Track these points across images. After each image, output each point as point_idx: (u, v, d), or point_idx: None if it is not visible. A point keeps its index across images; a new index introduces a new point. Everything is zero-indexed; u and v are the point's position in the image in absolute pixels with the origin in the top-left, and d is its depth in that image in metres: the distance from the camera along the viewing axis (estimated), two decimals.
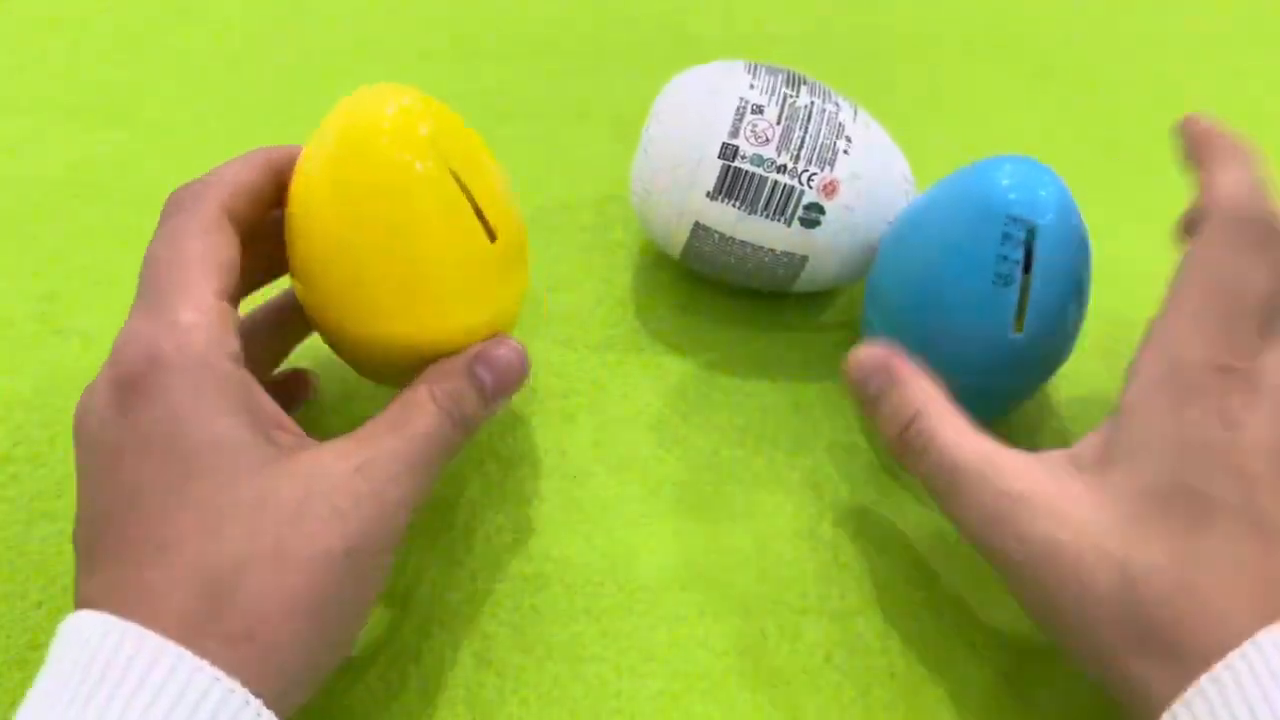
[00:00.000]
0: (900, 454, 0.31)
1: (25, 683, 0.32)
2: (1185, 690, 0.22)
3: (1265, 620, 0.23)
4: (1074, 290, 0.36)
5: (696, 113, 0.40)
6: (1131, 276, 0.48)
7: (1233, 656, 0.22)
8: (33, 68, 0.55)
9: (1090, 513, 0.26)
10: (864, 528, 0.38)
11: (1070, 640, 0.26)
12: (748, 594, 0.36)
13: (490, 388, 0.30)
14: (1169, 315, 0.28)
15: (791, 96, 0.40)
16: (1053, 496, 0.26)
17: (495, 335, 0.32)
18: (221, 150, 0.51)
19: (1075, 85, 0.60)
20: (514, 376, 0.31)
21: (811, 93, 0.41)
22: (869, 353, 0.33)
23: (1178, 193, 0.53)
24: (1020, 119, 0.58)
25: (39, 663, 0.33)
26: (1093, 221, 0.36)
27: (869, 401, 0.32)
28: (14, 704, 0.32)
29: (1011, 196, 0.34)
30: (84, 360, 0.41)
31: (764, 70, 0.41)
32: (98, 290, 0.44)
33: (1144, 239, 0.51)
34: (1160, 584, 0.24)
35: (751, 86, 0.40)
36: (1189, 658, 0.23)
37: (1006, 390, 0.38)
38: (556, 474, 0.39)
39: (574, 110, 0.55)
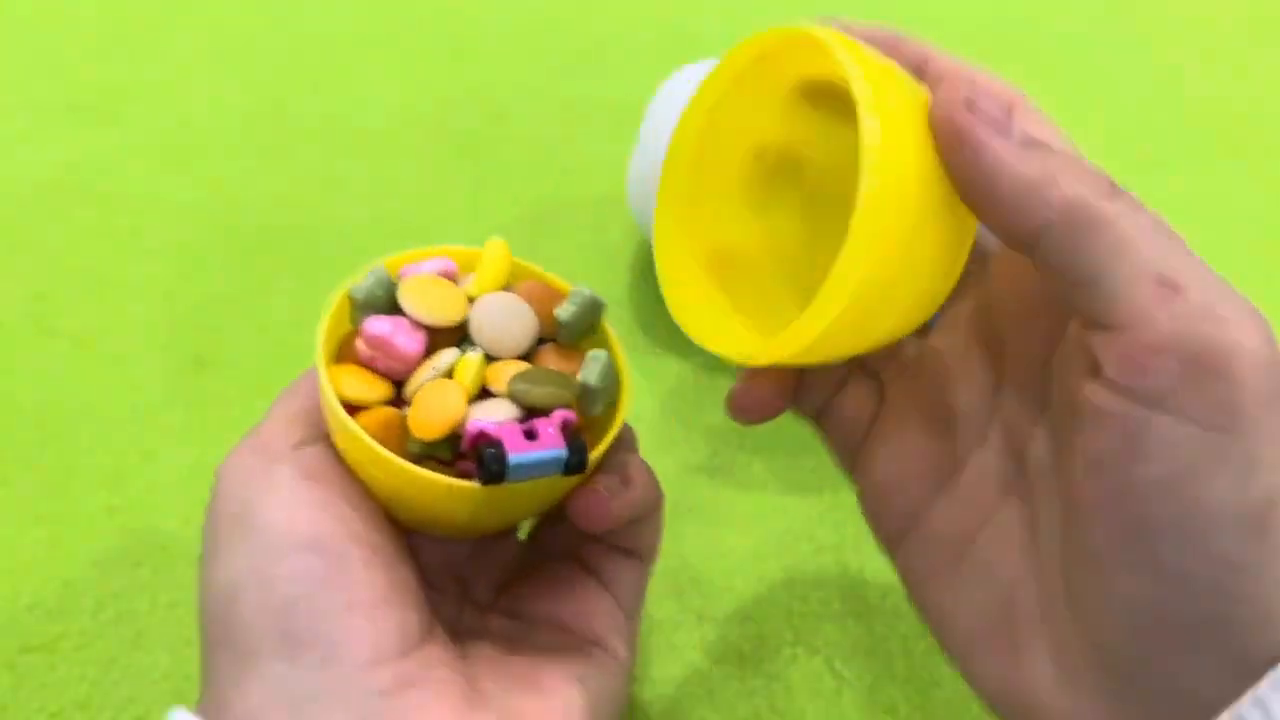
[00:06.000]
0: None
1: (15, 686, 0.32)
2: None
3: None
4: None
5: None
6: None
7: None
8: (24, 68, 0.55)
9: None
10: (865, 531, 0.37)
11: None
12: (746, 598, 0.35)
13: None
14: None
15: None
16: None
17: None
18: (212, 151, 0.51)
19: (1077, 82, 0.60)
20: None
21: None
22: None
23: (1180, 190, 0.53)
24: None
25: (29, 666, 0.33)
26: None
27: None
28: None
29: None
30: (74, 361, 0.41)
31: None
32: (88, 291, 0.43)
33: None
34: None
35: None
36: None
37: None
38: None
39: (571, 109, 0.55)
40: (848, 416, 0.26)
